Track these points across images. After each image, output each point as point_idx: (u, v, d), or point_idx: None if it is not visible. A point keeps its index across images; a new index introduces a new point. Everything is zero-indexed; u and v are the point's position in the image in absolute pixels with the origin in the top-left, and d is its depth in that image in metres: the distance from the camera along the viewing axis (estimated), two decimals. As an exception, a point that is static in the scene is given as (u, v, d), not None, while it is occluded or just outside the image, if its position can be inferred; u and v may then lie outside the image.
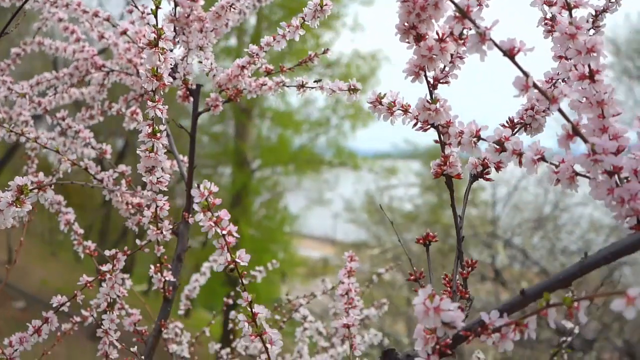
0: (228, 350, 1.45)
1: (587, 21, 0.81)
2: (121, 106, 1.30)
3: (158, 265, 1.05)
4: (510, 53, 0.56)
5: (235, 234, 0.69)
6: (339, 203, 11.60)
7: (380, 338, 1.47)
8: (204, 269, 1.63)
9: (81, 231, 1.18)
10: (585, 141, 0.56)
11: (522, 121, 0.76)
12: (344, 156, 11.53)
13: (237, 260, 0.69)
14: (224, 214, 0.69)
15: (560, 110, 0.57)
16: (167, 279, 1.06)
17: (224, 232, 0.68)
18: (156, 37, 0.77)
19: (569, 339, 1.18)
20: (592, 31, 0.80)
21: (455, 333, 0.59)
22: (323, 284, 1.66)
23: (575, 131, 0.57)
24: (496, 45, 0.56)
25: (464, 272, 0.68)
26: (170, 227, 1.00)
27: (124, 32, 1.10)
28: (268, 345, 0.71)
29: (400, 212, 10.13)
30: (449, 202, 0.75)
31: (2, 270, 1.31)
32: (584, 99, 0.59)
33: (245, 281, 0.71)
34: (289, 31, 0.96)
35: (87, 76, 1.30)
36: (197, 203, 0.67)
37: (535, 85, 0.56)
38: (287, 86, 1.04)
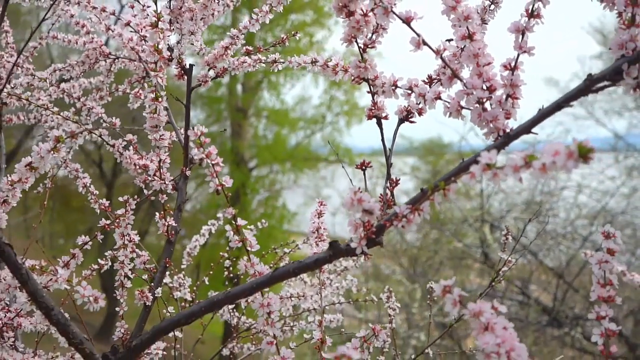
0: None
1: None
2: (126, 87, 1.54)
3: (162, 212, 1.29)
4: (407, 20, 0.80)
5: (221, 164, 0.92)
6: (337, 199, 11.81)
7: (356, 282, 1.71)
8: (203, 231, 1.87)
9: (96, 192, 1.42)
10: (461, 80, 0.80)
11: (437, 77, 1.00)
12: (339, 153, 11.76)
13: (223, 183, 0.93)
14: (213, 149, 0.93)
15: (442, 59, 0.80)
16: (170, 224, 1.29)
17: (213, 162, 0.92)
18: (157, 19, 1.01)
19: (505, 268, 1.42)
20: (492, 6, 1.03)
21: (378, 223, 0.83)
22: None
23: (454, 75, 0.80)
24: (397, 15, 0.79)
25: (391, 187, 0.92)
26: (172, 178, 1.23)
27: (128, 24, 1.33)
28: (249, 248, 0.95)
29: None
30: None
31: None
32: (464, 52, 0.83)
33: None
34: (261, 16, 1.21)
35: (96, 63, 1.54)
36: (191, 140, 0.91)
37: (424, 42, 0.79)
38: (264, 62, 1.28)
